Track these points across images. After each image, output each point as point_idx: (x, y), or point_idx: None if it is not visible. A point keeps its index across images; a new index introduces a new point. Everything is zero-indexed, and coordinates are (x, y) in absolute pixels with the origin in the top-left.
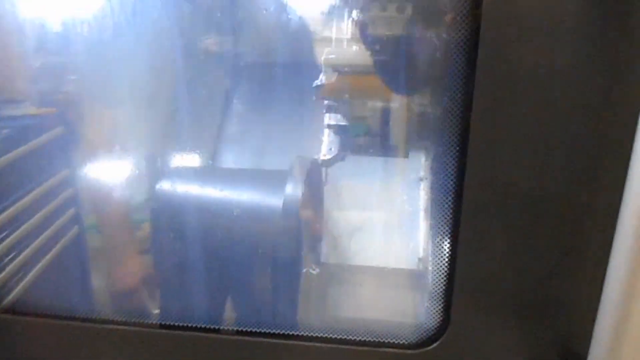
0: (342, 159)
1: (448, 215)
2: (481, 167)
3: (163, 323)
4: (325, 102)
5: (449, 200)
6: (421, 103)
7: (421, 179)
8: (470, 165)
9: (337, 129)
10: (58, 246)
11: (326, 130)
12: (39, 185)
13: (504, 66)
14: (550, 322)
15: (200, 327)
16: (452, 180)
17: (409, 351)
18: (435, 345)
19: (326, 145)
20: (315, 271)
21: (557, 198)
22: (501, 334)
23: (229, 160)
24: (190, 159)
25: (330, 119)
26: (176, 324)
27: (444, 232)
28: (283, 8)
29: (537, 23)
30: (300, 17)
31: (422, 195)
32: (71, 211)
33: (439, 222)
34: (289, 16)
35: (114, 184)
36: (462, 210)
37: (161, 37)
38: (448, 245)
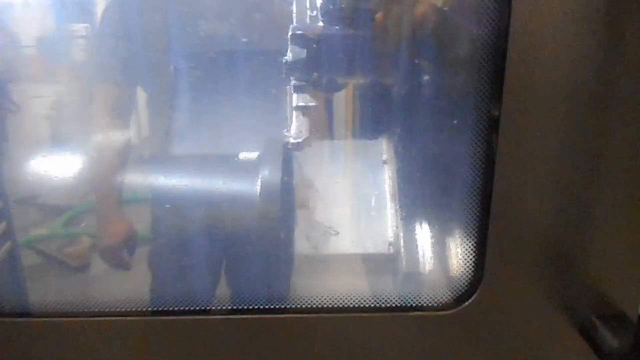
0: (312, 143)
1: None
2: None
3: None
4: (293, 81)
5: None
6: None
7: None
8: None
9: (306, 111)
10: None
11: (294, 112)
12: None
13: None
14: (584, 271)
15: (194, 310)
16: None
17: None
18: (467, 303)
19: (295, 128)
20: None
21: (588, 149)
22: (535, 286)
23: (190, 147)
24: (148, 147)
25: (298, 99)
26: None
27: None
28: None
29: None
30: None
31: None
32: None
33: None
34: None
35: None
36: (495, 160)
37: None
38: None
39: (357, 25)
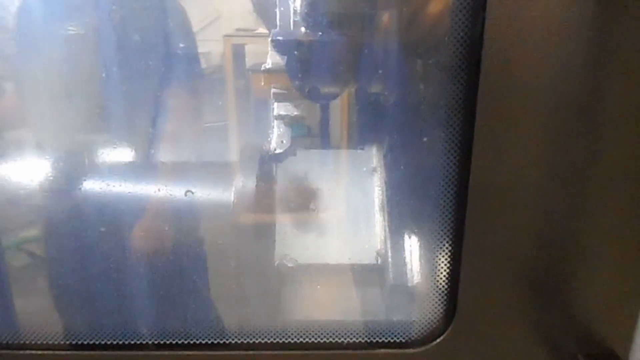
0: (294, 153)
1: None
2: (486, 157)
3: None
4: (274, 89)
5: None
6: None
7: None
8: (476, 156)
9: (288, 120)
10: None
11: (276, 122)
12: None
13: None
14: (569, 304)
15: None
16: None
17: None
18: (438, 340)
19: (276, 138)
20: (290, 264)
21: (574, 168)
22: (515, 320)
23: (168, 155)
24: (125, 155)
25: (279, 108)
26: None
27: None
28: None
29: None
30: None
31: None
32: None
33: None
34: None
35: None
36: (468, 192)
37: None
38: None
39: (340, 31)
